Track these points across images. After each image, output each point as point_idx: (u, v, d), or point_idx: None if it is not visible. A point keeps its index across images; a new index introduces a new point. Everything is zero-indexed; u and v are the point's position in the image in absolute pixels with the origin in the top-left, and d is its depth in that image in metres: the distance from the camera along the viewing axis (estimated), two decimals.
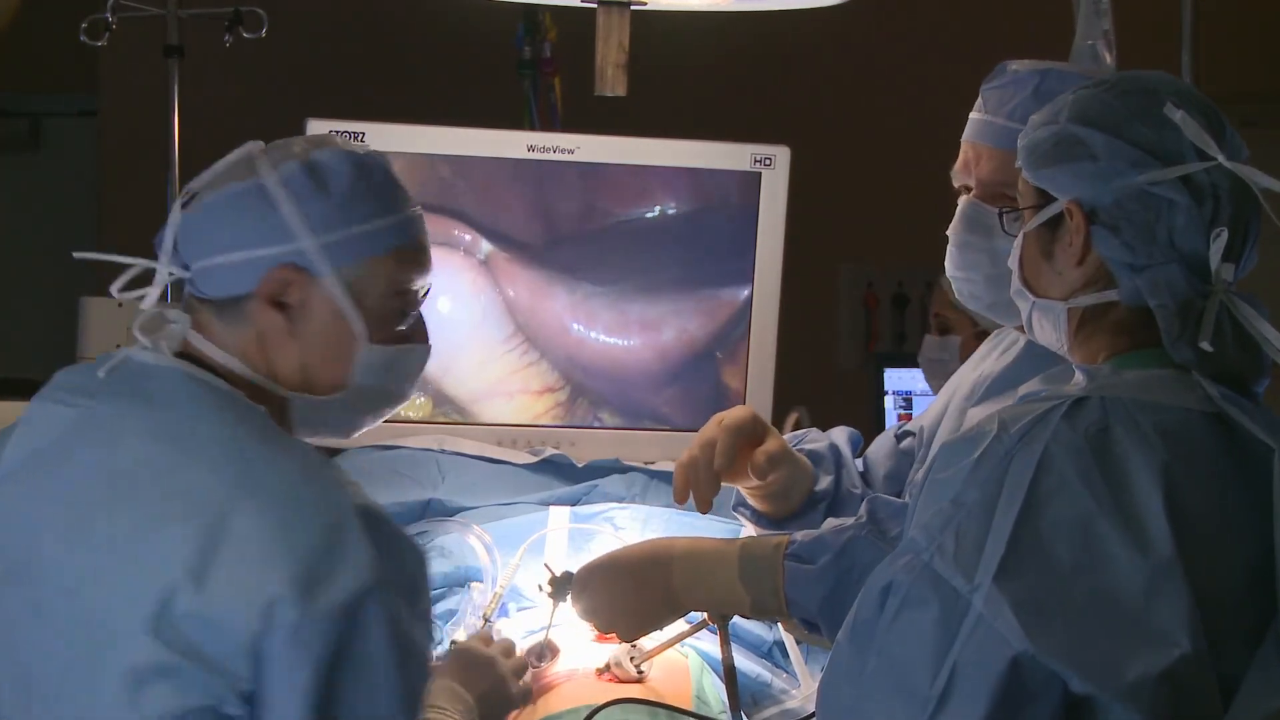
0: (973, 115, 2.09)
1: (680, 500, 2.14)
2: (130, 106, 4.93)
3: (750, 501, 2.22)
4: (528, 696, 1.98)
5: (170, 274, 1.74)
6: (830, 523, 1.97)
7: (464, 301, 2.57)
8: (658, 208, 2.60)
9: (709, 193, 2.60)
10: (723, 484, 2.14)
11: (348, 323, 1.74)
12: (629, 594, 1.96)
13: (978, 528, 1.50)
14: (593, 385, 2.63)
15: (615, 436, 2.61)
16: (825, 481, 2.21)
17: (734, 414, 2.15)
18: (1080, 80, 1.95)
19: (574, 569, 2.02)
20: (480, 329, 2.58)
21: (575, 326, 2.61)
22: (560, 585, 2.02)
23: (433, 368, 2.50)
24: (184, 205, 1.74)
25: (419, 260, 1.78)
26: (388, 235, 1.75)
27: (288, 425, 1.76)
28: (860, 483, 2.25)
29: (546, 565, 2.06)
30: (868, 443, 2.37)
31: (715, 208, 2.61)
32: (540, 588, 2.05)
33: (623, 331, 2.62)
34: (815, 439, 2.29)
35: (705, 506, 2.12)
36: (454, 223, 2.56)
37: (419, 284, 1.79)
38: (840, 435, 2.32)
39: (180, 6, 3.69)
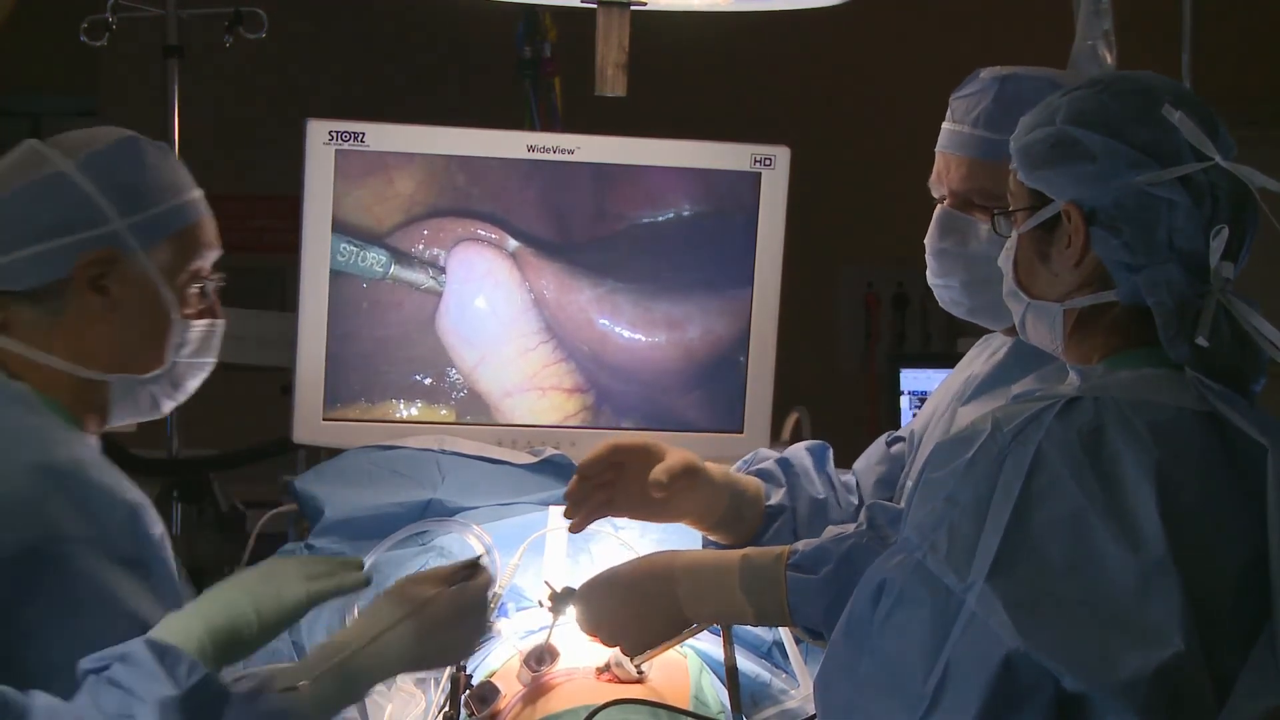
0: (944, 125, 2.10)
1: (569, 516, 2.12)
2: (130, 106, 4.94)
3: (710, 538, 2.20)
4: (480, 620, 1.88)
5: None
6: (831, 530, 1.96)
7: (492, 297, 2.59)
8: (658, 208, 2.60)
9: (709, 193, 2.60)
10: (637, 519, 2.14)
11: (161, 300, 1.85)
12: (633, 610, 1.95)
13: (971, 526, 1.50)
14: (598, 384, 2.62)
15: (614, 437, 2.61)
16: (778, 495, 2.19)
17: (621, 436, 2.13)
18: (1045, 83, 1.97)
19: (575, 584, 2.01)
20: (501, 324, 2.59)
21: (571, 324, 2.61)
22: (560, 600, 2.02)
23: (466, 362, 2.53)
24: None
25: (208, 238, 1.90)
26: (184, 214, 1.87)
27: (99, 408, 1.86)
28: (825, 489, 2.23)
29: (547, 582, 2.05)
30: (844, 449, 2.35)
31: (715, 208, 2.61)
32: (540, 604, 2.05)
33: (620, 331, 2.62)
34: (763, 458, 2.27)
35: (577, 524, 2.11)
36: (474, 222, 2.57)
37: (209, 260, 1.90)
38: (798, 449, 2.29)
39: (180, 6, 3.69)
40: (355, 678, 1.74)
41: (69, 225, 1.80)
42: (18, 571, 1.64)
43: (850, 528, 1.95)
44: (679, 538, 2.25)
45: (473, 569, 1.84)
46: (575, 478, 2.10)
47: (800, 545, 1.91)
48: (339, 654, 1.72)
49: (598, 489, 2.11)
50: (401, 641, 1.75)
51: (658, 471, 2.08)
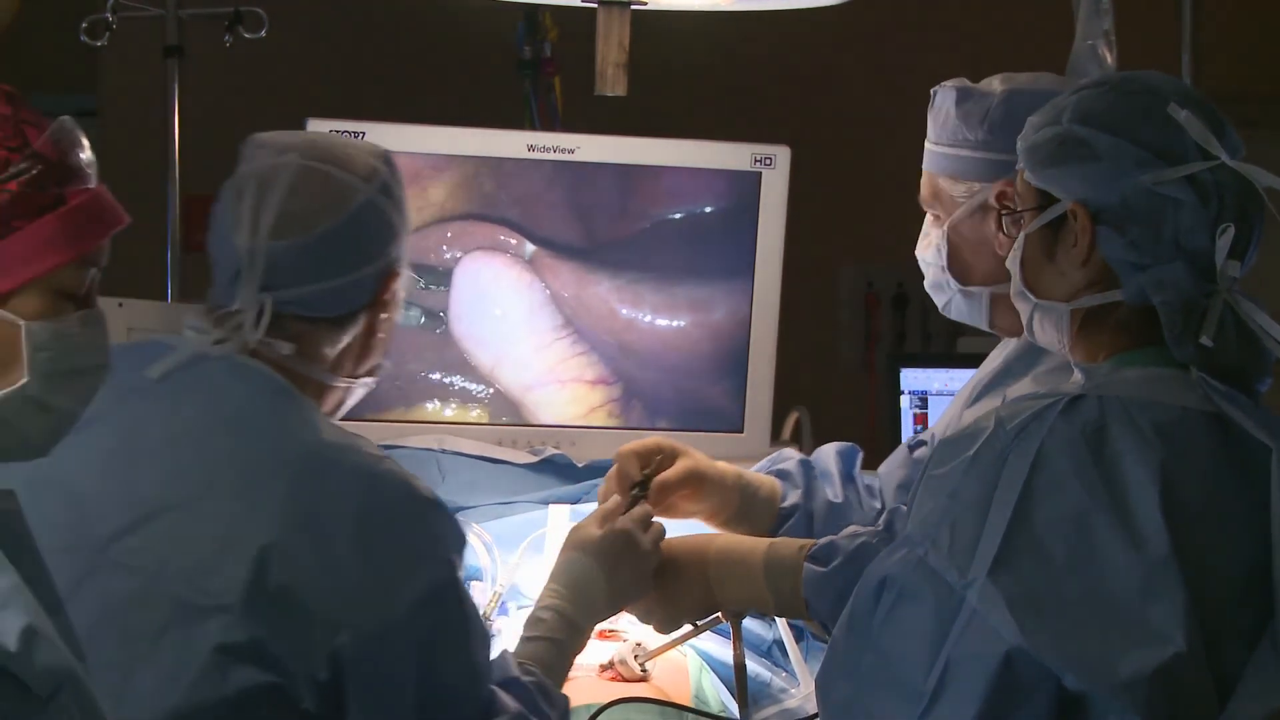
0: None
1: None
2: (130, 106, 4.93)
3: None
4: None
5: (264, 304, 1.78)
6: (850, 528, 1.98)
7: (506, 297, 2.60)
8: (658, 208, 2.60)
9: (709, 193, 2.60)
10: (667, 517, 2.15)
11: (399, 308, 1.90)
12: (669, 586, 1.98)
13: (973, 523, 1.51)
14: (622, 372, 2.63)
15: (616, 436, 2.60)
16: (793, 496, 2.21)
17: (633, 442, 2.16)
18: (961, 93, 2.05)
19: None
20: (509, 322, 2.60)
21: (576, 321, 2.61)
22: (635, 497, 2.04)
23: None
24: (273, 235, 1.79)
25: None
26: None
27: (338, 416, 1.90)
28: (845, 493, 2.24)
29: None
30: (871, 452, 2.36)
31: (715, 208, 2.61)
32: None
33: (617, 332, 2.61)
34: (786, 458, 2.28)
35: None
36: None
37: None
38: (828, 450, 2.31)
39: (180, 6, 3.69)
40: (577, 625, 1.89)
41: (380, 251, 1.83)
42: (434, 608, 1.67)
43: (868, 527, 1.97)
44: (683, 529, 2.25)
45: (630, 503, 2.00)
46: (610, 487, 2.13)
47: (822, 540, 1.93)
48: (552, 609, 1.85)
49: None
50: (593, 582, 1.92)
51: (656, 484, 2.11)
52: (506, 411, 2.59)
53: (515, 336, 2.58)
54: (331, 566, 1.63)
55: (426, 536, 1.70)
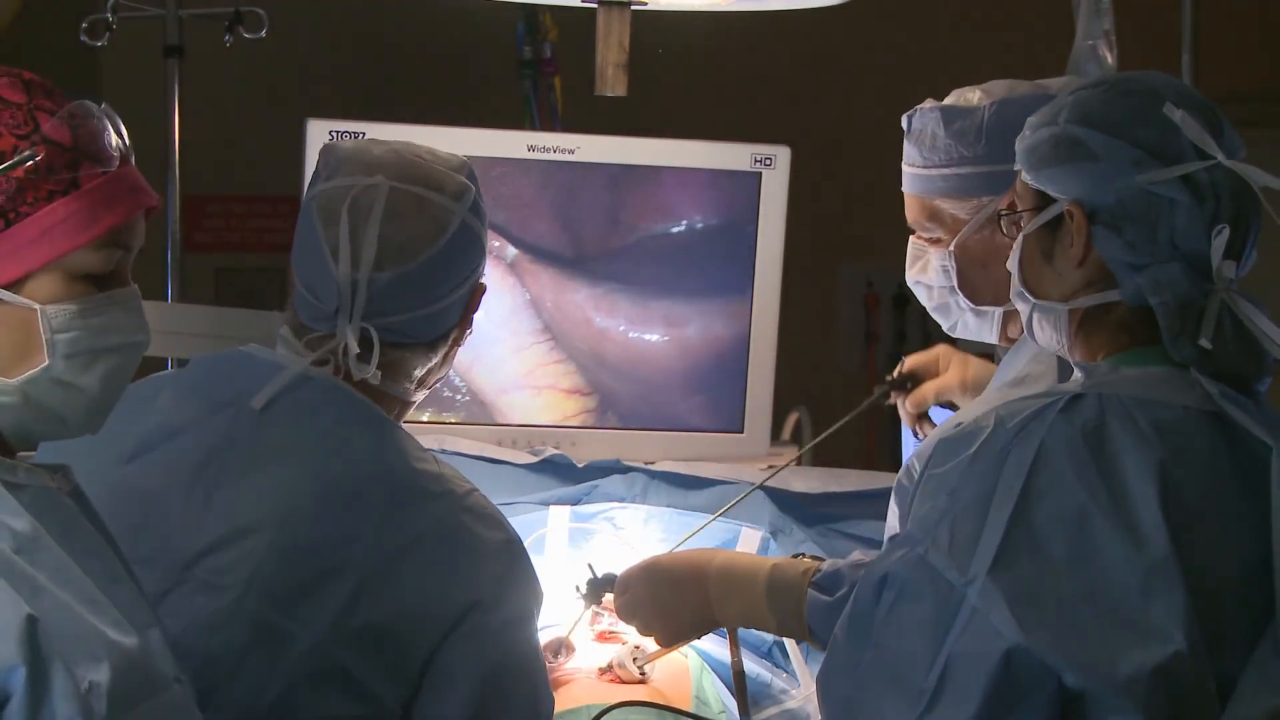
0: None
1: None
2: (130, 106, 4.92)
3: None
4: None
5: (370, 335, 1.77)
6: (855, 555, 1.97)
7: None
8: (658, 208, 2.60)
9: (709, 193, 2.60)
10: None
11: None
12: (669, 601, 1.95)
13: (973, 522, 1.51)
14: (598, 384, 2.62)
15: (616, 436, 2.60)
16: None
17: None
18: (948, 113, 2.05)
19: (616, 571, 2.02)
20: (494, 324, 2.59)
21: (568, 323, 2.61)
22: (595, 588, 2.02)
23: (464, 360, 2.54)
24: (375, 268, 1.77)
25: None
26: None
27: None
28: None
29: (589, 565, 2.06)
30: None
31: (715, 208, 2.60)
32: (576, 588, 2.05)
33: (619, 331, 2.61)
34: None
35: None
36: None
37: None
38: None
39: (180, 6, 3.69)
40: None
41: (474, 270, 1.83)
42: (511, 639, 1.72)
43: (872, 554, 1.96)
44: (682, 537, 2.25)
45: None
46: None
47: (825, 565, 1.89)
48: None
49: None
50: None
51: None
52: (480, 415, 2.59)
53: (494, 337, 2.57)
54: (419, 596, 1.64)
55: (509, 572, 1.72)
